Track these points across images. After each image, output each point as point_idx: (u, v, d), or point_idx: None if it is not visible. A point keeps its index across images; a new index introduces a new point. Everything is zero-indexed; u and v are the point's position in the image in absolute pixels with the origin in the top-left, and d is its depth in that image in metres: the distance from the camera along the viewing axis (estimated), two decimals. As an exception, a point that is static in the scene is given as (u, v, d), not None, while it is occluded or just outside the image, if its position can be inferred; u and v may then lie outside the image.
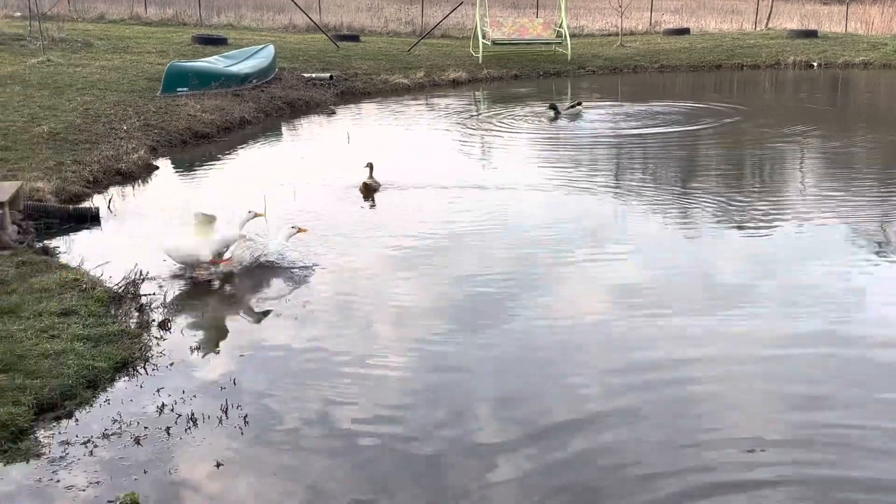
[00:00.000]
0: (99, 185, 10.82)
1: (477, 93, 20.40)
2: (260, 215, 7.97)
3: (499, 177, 11.26)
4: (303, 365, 5.65)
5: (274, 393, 5.23)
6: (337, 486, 4.28)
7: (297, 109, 17.19)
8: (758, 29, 30.37)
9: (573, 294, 7.01)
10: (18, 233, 8.26)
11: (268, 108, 16.54)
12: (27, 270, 7.13)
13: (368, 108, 17.98)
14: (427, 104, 18.54)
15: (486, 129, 15.11)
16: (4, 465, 4.40)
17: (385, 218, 9.38)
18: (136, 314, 6.45)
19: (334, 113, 17.30)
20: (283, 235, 7.82)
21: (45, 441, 4.63)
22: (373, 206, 9.96)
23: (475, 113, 17.33)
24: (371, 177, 10.66)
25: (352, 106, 18.21)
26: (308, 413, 4.98)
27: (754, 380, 5.41)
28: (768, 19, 30.94)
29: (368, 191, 10.51)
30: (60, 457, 4.48)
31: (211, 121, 14.57)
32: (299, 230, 7.93)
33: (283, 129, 15.79)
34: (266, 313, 6.56)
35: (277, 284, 7.23)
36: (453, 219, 9.14)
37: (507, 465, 4.43)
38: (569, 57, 24.00)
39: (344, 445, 4.64)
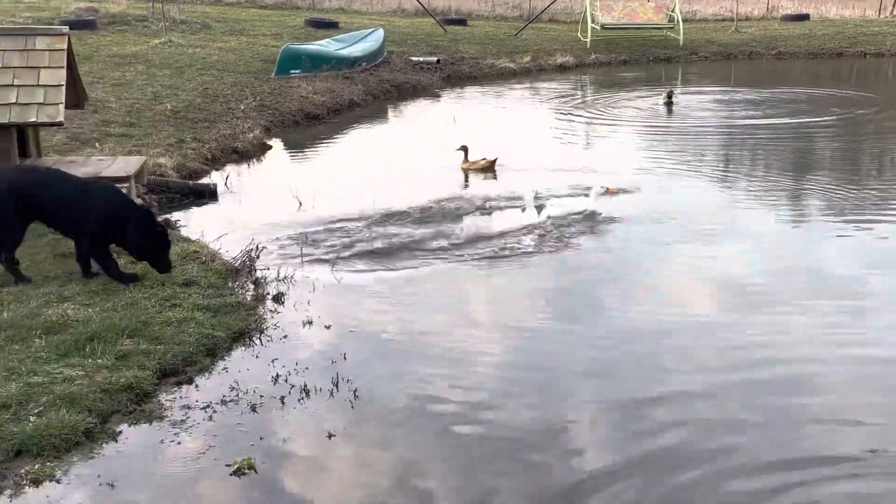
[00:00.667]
0: (216, 163, 11.22)
1: (584, 77, 20.14)
2: (612, 191, 9.12)
3: (603, 162, 11.10)
4: (414, 343, 5.73)
5: (383, 369, 5.32)
6: (441, 465, 4.33)
7: (405, 92, 17.36)
8: (882, 16, 28.86)
9: (683, 286, 6.87)
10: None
11: (376, 90, 16.77)
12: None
13: (473, 92, 18.00)
14: (532, 88, 18.42)
15: (593, 114, 14.91)
16: (129, 426, 4.63)
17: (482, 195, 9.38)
18: (252, 287, 6.67)
19: (440, 96, 17.40)
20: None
21: (168, 404, 4.85)
22: (467, 186, 9.97)
23: (581, 98, 17.12)
24: (466, 160, 10.72)
25: (457, 89, 18.28)
26: (417, 390, 5.05)
27: (872, 383, 5.19)
28: (894, 6, 29.36)
29: (481, 169, 10.57)
30: (181, 420, 4.68)
31: (322, 102, 14.89)
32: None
33: (390, 111, 15.99)
34: (365, 289, 6.69)
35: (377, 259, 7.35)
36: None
37: (609, 459, 4.40)
38: (681, 42, 23.41)
39: (448, 425, 4.69)
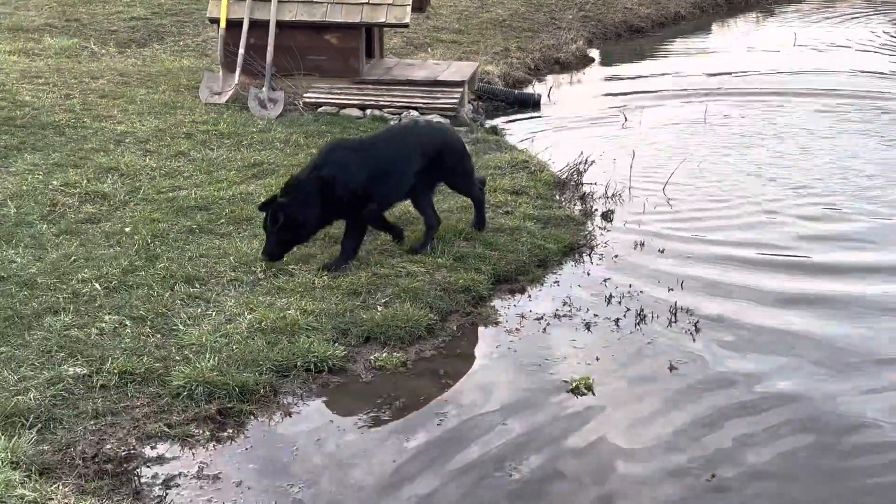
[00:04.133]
0: (538, 73, 11.11)
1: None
2: None
3: None
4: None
5: (727, 300, 4.92)
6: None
7: (735, 7, 16.06)
8: None
9: None
10: (472, 111, 8.75)
11: (704, 3, 15.66)
12: (481, 147, 7.51)
13: (810, 7, 16.21)
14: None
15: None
16: (467, 327, 4.67)
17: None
18: (579, 202, 6.48)
19: (773, 13, 15.87)
20: None
21: (502, 311, 4.84)
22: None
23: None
24: None
25: (794, 4, 16.56)
26: (762, 322, 4.61)
27: None
28: None
29: None
30: (516, 328, 4.64)
31: (647, 15, 14.19)
32: None
33: (715, 28, 14.86)
34: (702, 216, 6.22)
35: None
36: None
37: None
38: None
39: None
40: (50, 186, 5.91)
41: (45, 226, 5.36)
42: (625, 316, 4.74)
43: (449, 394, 4.05)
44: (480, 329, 4.66)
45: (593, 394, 4.03)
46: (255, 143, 7.16)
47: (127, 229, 5.37)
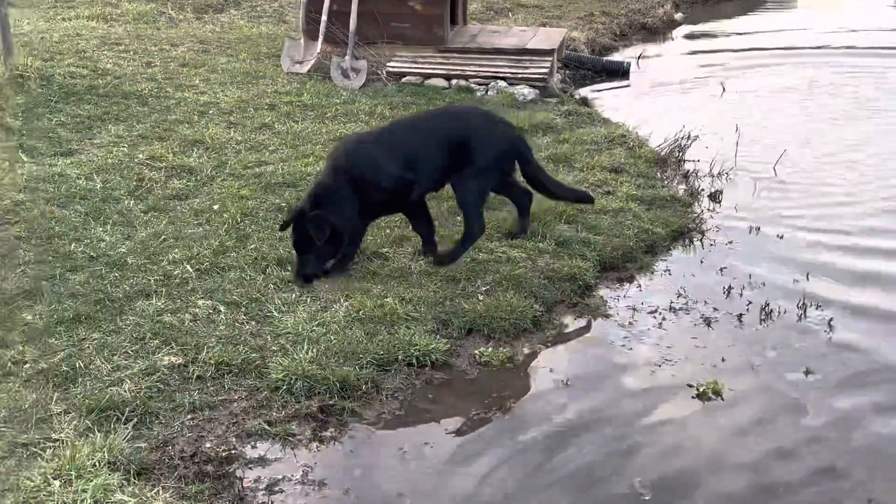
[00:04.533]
0: (624, 39, 10.64)
1: None
2: None
3: None
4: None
5: (862, 292, 4.52)
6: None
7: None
8: None
9: None
10: (561, 81, 8.35)
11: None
12: (573, 120, 7.14)
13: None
14: None
15: None
16: (574, 320, 4.36)
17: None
18: (683, 181, 6.09)
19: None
20: None
21: (611, 302, 4.51)
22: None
23: None
24: None
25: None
26: None
27: None
28: None
29: None
30: (629, 323, 4.31)
31: (736, -24, 13.49)
32: None
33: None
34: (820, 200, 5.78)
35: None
36: None
37: None
38: None
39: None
40: (136, 160, 5.75)
41: (133, 202, 5.20)
42: (748, 310, 4.37)
43: (561, 395, 3.76)
44: (590, 323, 4.34)
45: (722, 399, 3.70)
46: (340, 115, 6.91)
47: (215, 207, 5.18)
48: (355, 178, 4.36)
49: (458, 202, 4.66)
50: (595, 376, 3.90)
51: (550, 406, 3.68)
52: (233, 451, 3.33)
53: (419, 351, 3.91)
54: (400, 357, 3.89)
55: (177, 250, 4.63)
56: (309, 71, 7.80)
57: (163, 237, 4.77)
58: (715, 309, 4.40)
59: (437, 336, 4.06)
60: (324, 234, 4.27)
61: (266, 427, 3.46)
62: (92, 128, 6.31)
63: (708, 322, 4.29)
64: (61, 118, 6.38)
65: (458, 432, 3.54)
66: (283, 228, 4.48)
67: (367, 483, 3.24)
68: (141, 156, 5.81)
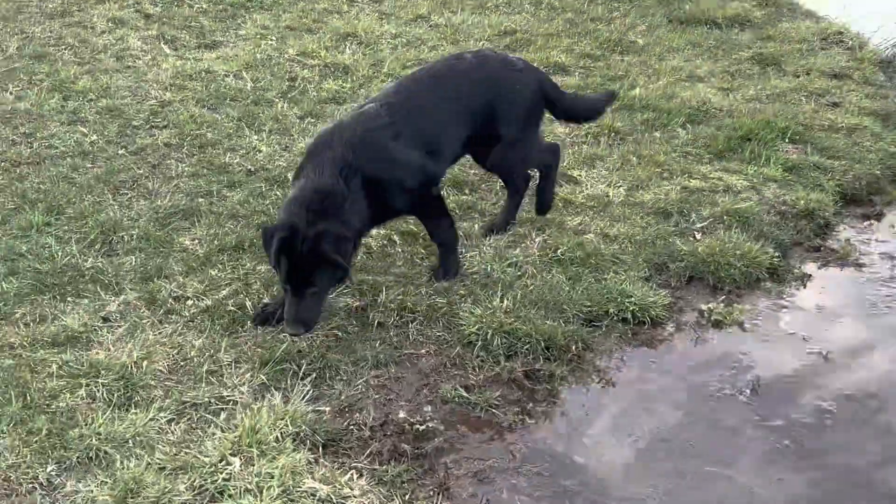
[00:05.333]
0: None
1: None
2: None
3: None
4: None
5: None
6: None
7: None
8: None
9: None
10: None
11: None
12: (772, 12, 6.13)
13: None
14: None
15: None
16: (818, 269, 3.60)
17: None
18: (919, 90, 5.10)
19: None
20: None
21: (861, 247, 3.72)
22: None
23: None
24: None
25: None
26: None
27: None
28: None
29: None
30: (890, 277, 3.52)
31: None
32: None
33: None
34: None
35: None
36: None
37: None
38: None
39: None
40: (286, 55, 5.17)
41: (286, 104, 4.64)
42: None
43: (820, 370, 3.06)
44: (839, 273, 3.58)
45: None
46: (502, 5, 6.12)
47: (378, 114, 4.55)
48: (368, 179, 3.15)
49: (502, 178, 3.73)
50: (856, 350, 3.17)
51: (804, 384, 2.99)
52: (429, 424, 2.80)
53: (635, 304, 3.25)
54: (611, 310, 3.25)
55: (341, 166, 4.05)
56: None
57: (324, 150, 4.19)
58: None
59: (653, 285, 3.39)
60: (349, 256, 3.07)
61: (464, 394, 2.91)
62: (236, 16, 5.74)
63: None
64: (203, 5, 5.84)
65: (700, 414, 2.89)
66: (268, 245, 3.01)
67: (598, 479, 2.66)
68: (291, 51, 5.22)
